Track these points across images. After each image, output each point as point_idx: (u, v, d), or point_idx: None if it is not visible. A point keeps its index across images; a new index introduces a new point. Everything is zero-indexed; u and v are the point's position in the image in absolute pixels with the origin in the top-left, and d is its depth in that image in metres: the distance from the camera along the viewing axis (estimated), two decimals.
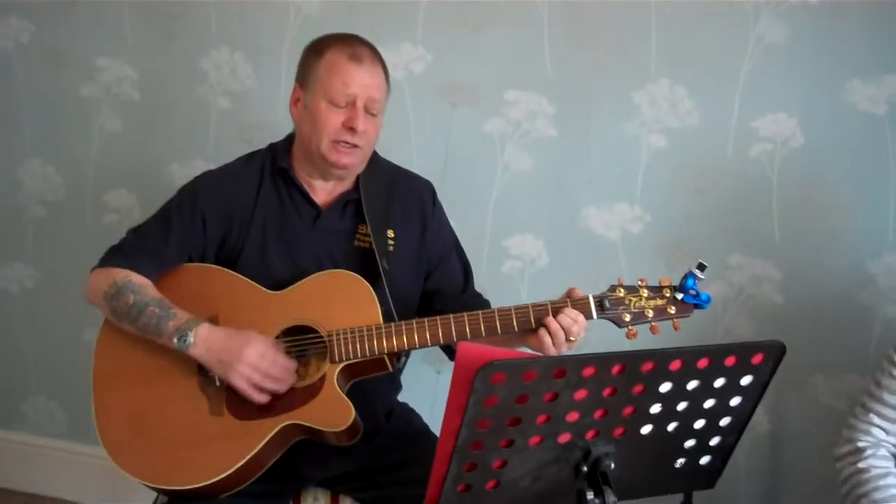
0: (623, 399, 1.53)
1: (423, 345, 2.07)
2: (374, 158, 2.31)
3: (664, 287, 2.05)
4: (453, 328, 2.05)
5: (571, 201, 2.76)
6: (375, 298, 2.10)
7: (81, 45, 3.08)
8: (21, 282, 3.30)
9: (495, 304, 2.15)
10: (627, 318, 2.02)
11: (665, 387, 1.54)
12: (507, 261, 2.83)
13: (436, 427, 1.92)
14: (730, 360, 1.55)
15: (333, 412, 2.02)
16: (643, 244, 2.72)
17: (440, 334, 2.06)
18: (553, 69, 2.72)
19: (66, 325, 3.21)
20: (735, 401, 1.61)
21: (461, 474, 1.51)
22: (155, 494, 2.20)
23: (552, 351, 2.00)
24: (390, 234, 2.25)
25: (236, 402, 2.07)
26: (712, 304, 2.07)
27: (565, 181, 2.75)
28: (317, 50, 2.20)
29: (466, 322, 2.05)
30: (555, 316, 2.01)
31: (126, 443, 2.07)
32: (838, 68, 2.52)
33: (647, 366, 1.50)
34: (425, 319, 2.07)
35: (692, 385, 1.56)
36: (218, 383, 2.08)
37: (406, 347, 2.07)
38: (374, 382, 2.16)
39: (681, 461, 1.69)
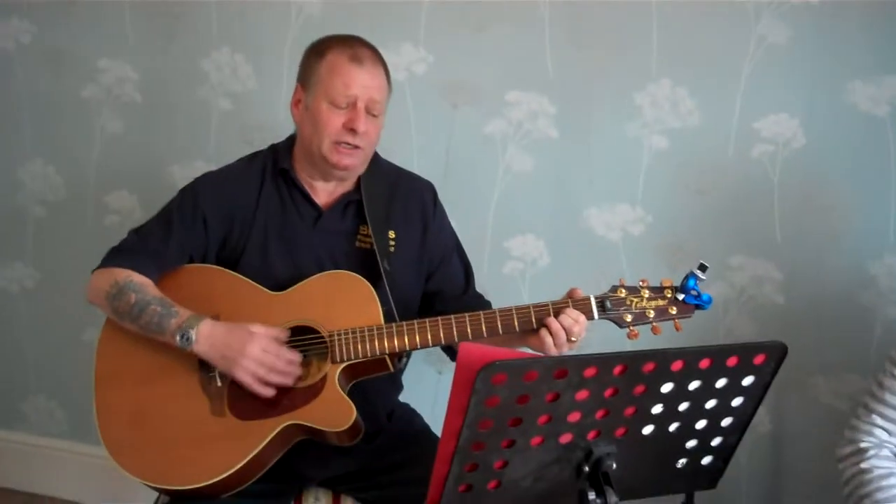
0: (624, 399, 1.53)
1: (425, 345, 2.07)
2: (376, 159, 2.31)
3: (665, 288, 2.04)
4: (454, 328, 2.05)
5: (573, 202, 2.76)
6: (377, 299, 2.10)
7: (82, 46, 3.09)
8: (21, 282, 3.30)
9: (496, 304, 2.15)
10: (629, 318, 2.02)
11: (667, 387, 1.54)
12: (508, 262, 2.83)
13: (437, 427, 1.91)
14: (731, 361, 1.55)
15: (335, 412, 2.02)
16: (644, 245, 2.72)
17: (441, 335, 2.06)
18: (554, 70, 2.72)
19: (67, 326, 3.22)
20: (737, 401, 1.61)
21: (462, 474, 1.51)
22: (156, 494, 2.20)
23: (553, 351, 2.00)
24: (391, 234, 2.25)
25: (238, 402, 2.07)
26: (713, 305, 2.07)
27: (566, 182, 2.75)
28: (318, 51, 2.20)
29: (468, 322, 2.05)
30: (556, 316, 2.01)
31: (127, 442, 2.07)
32: (840, 69, 2.52)
33: (649, 366, 1.50)
34: (426, 320, 2.07)
35: (694, 385, 1.55)
36: (219, 382, 2.08)
37: (407, 348, 2.07)
38: (375, 383, 2.16)
39: (682, 461, 1.69)
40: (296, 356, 2.07)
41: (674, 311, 2.02)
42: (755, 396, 1.62)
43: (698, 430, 1.63)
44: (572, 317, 2.00)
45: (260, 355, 2.02)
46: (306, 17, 2.87)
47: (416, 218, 2.30)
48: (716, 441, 1.67)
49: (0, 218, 3.27)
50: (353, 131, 2.12)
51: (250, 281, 2.16)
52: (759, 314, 2.67)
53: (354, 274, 2.13)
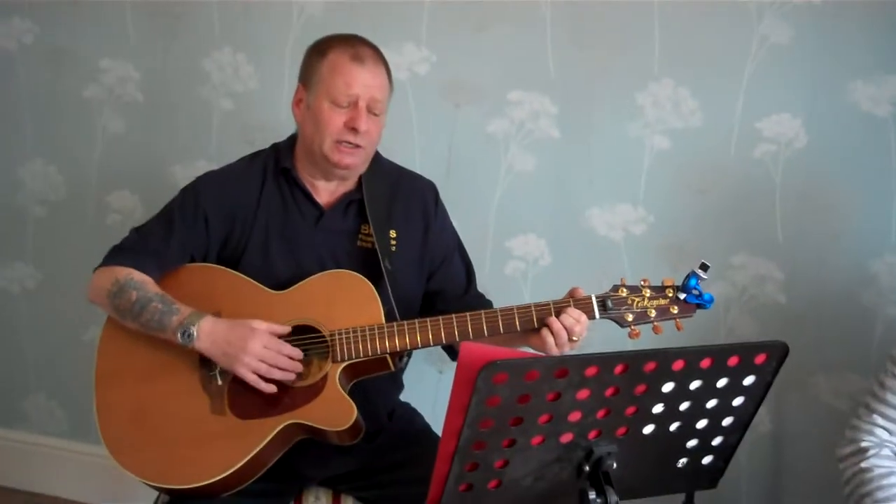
0: (625, 399, 1.53)
1: (426, 344, 2.07)
2: (377, 159, 2.31)
3: (667, 287, 2.04)
4: (456, 328, 2.05)
5: (574, 202, 2.76)
6: (378, 298, 2.10)
7: (84, 46, 3.09)
8: (22, 282, 3.30)
9: (498, 304, 2.15)
10: (630, 317, 2.02)
11: (668, 387, 1.54)
12: (509, 261, 2.83)
13: (437, 427, 1.91)
14: (733, 360, 1.55)
15: (335, 412, 2.02)
16: (646, 245, 2.72)
17: (442, 334, 2.06)
18: (556, 69, 2.72)
19: (67, 325, 3.22)
20: (738, 401, 1.61)
21: (463, 474, 1.51)
22: (156, 493, 2.20)
23: (555, 351, 2.00)
24: (393, 234, 2.25)
25: (238, 401, 2.07)
26: (715, 304, 2.07)
27: (568, 182, 2.75)
28: (319, 50, 2.20)
29: (469, 322, 2.05)
30: (557, 316, 2.01)
31: (127, 441, 2.07)
32: (842, 69, 2.52)
33: (650, 366, 1.50)
34: (427, 319, 2.07)
35: (695, 385, 1.56)
36: (220, 381, 2.08)
37: (408, 347, 2.07)
38: (376, 382, 2.16)
39: (683, 461, 1.69)
40: (297, 352, 2.07)
41: (675, 310, 2.02)
42: (756, 396, 1.62)
43: (699, 430, 1.63)
44: (574, 316, 2.00)
45: (261, 351, 2.02)
46: (308, 17, 2.87)
47: (417, 217, 2.30)
48: (716, 440, 1.67)
49: (1, 218, 3.27)
50: (354, 130, 2.12)
51: (251, 280, 2.16)
52: (760, 313, 2.67)
53: (356, 273, 2.13)
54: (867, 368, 2.54)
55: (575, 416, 1.52)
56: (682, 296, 2.01)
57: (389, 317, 2.11)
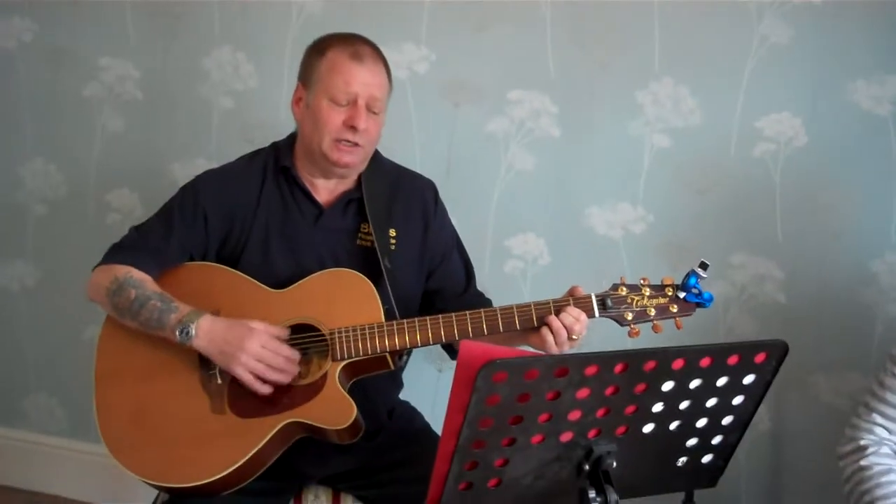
0: (625, 398, 1.53)
1: (425, 343, 2.06)
2: (377, 158, 2.31)
3: (666, 286, 2.04)
4: (455, 327, 2.05)
5: (574, 201, 2.76)
6: (377, 297, 2.10)
7: (84, 45, 3.09)
8: (22, 280, 3.30)
9: (497, 303, 2.15)
10: (629, 316, 2.02)
11: (667, 385, 1.54)
12: (509, 260, 2.83)
13: (437, 426, 1.92)
14: (732, 359, 1.55)
15: (335, 410, 2.02)
16: (646, 244, 2.72)
17: (442, 333, 2.06)
18: (556, 69, 2.72)
19: (67, 324, 3.22)
20: (737, 399, 1.61)
21: (463, 473, 1.51)
22: (156, 492, 2.20)
23: (554, 349, 2.00)
24: (392, 232, 2.25)
25: (238, 400, 2.07)
26: (714, 303, 2.07)
27: (568, 181, 2.75)
28: (319, 49, 2.20)
29: (468, 320, 2.05)
30: (557, 314, 2.01)
31: (127, 440, 2.07)
32: (842, 68, 2.52)
33: (650, 364, 1.50)
34: (427, 318, 2.07)
35: (695, 384, 1.55)
36: (220, 380, 2.08)
37: (408, 346, 2.07)
38: (375, 381, 2.16)
39: (683, 460, 1.69)
40: (295, 354, 2.06)
41: (675, 309, 2.02)
42: (756, 395, 1.62)
43: (699, 429, 1.63)
44: (573, 315, 2.00)
45: (259, 351, 2.02)
46: (307, 16, 2.87)
47: (417, 216, 2.30)
48: (716, 439, 1.67)
49: (1, 216, 3.27)
50: (353, 129, 2.12)
51: (251, 279, 2.16)
52: (760, 313, 2.67)
53: (355, 272, 2.13)
54: (867, 367, 2.54)
55: (575, 415, 1.52)
56: (682, 294, 2.01)
57: (389, 315, 2.11)
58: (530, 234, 2.80)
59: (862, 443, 2.08)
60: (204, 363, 2.10)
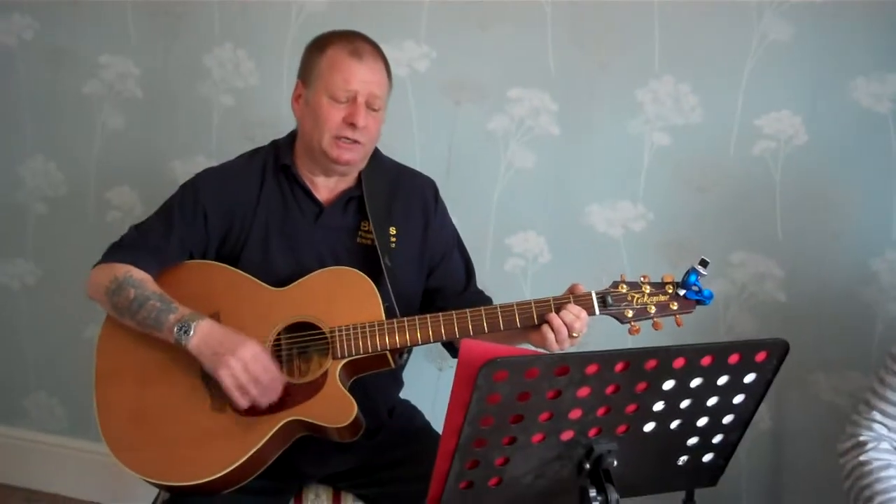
0: (626, 396, 1.53)
1: (426, 341, 2.06)
2: (377, 155, 2.31)
3: (667, 283, 2.04)
4: (455, 325, 2.05)
5: (574, 199, 2.76)
6: (378, 295, 2.10)
7: (84, 45, 3.08)
8: (22, 278, 3.30)
9: (498, 301, 2.15)
10: (630, 314, 2.02)
11: (668, 384, 1.54)
12: (509, 258, 2.83)
13: (437, 424, 1.92)
14: (733, 358, 1.55)
15: (336, 408, 2.02)
16: (646, 242, 2.72)
17: (442, 331, 2.06)
18: (556, 68, 2.72)
19: (67, 322, 3.22)
20: (738, 398, 1.61)
21: (463, 471, 1.51)
22: (156, 491, 2.20)
23: (555, 347, 2.00)
24: (392, 231, 2.25)
25: None
26: (715, 302, 2.07)
27: (568, 179, 2.75)
28: (318, 46, 2.20)
29: (469, 318, 2.05)
30: (557, 312, 2.01)
31: (128, 439, 2.07)
32: (842, 66, 2.51)
33: (651, 363, 1.50)
34: (427, 316, 2.07)
35: (695, 383, 1.56)
36: None
37: (408, 344, 2.07)
38: (376, 379, 2.16)
39: (683, 459, 1.69)
40: (282, 379, 2.05)
41: (675, 306, 2.02)
42: (757, 394, 1.62)
43: (699, 428, 1.63)
44: (574, 312, 2.00)
45: (249, 360, 2.00)
46: (308, 14, 2.87)
47: (417, 214, 2.30)
48: (717, 438, 1.67)
49: (1, 214, 3.27)
50: (352, 126, 2.12)
51: (251, 277, 2.16)
52: (760, 311, 2.67)
53: (355, 270, 2.13)
54: (867, 366, 2.54)
55: (575, 414, 1.52)
56: (682, 292, 2.01)
57: (389, 313, 2.11)
58: (531, 232, 2.80)
59: (861, 439, 2.08)
60: None
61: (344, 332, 2.06)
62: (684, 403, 1.58)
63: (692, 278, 1.99)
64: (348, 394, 2.04)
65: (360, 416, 2.02)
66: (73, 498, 3.32)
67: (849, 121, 2.52)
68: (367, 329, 2.06)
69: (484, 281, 2.44)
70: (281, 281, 2.16)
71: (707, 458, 1.70)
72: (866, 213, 2.55)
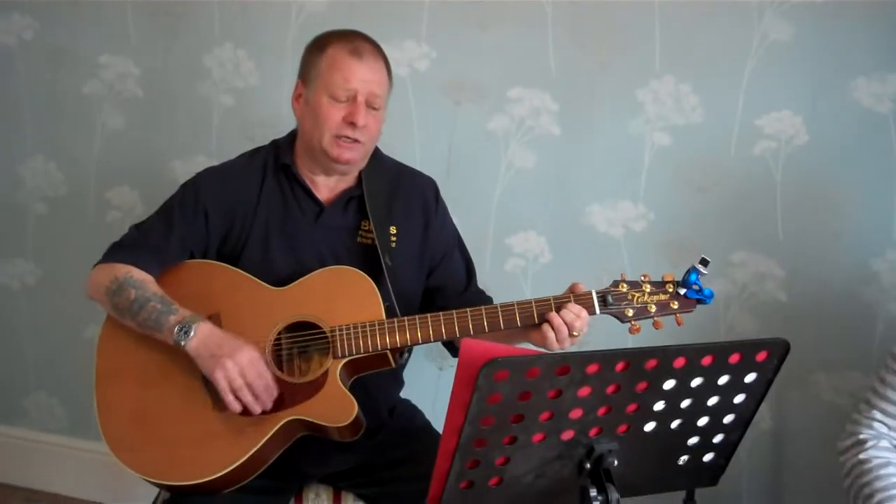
0: (627, 396, 1.53)
1: (426, 340, 2.06)
2: (377, 155, 2.31)
3: (667, 282, 2.04)
4: (456, 324, 2.05)
5: (575, 199, 2.76)
6: (378, 294, 2.10)
7: (84, 45, 3.08)
8: (22, 278, 3.30)
9: (498, 301, 2.15)
10: (630, 313, 2.02)
11: (669, 384, 1.54)
12: (510, 258, 2.83)
13: (438, 424, 1.91)
14: (734, 358, 1.55)
15: (336, 407, 2.02)
16: (646, 242, 2.71)
17: (443, 330, 2.05)
18: (557, 68, 2.72)
19: (67, 322, 3.22)
20: (739, 398, 1.61)
21: (464, 471, 1.51)
22: (156, 491, 2.20)
23: (555, 346, 2.00)
24: (393, 230, 2.25)
25: None
26: (715, 302, 2.07)
27: (568, 179, 2.75)
28: (318, 46, 2.20)
29: (469, 318, 2.05)
30: (558, 311, 2.01)
31: (128, 439, 2.07)
32: (843, 66, 2.51)
33: (651, 363, 1.50)
34: (428, 315, 2.07)
35: (696, 382, 1.56)
36: None
37: (409, 343, 2.07)
38: (376, 378, 2.16)
39: (684, 458, 1.69)
40: (275, 387, 2.05)
41: (675, 305, 2.02)
42: (757, 393, 1.62)
43: (700, 427, 1.63)
44: (574, 311, 2.00)
45: (246, 365, 2.00)
46: (308, 14, 2.87)
47: (417, 214, 2.30)
48: (717, 438, 1.67)
49: (1, 214, 3.27)
50: (352, 125, 2.12)
51: (252, 276, 2.16)
52: (760, 311, 2.67)
53: (356, 269, 2.13)
54: (868, 366, 2.54)
55: (576, 414, 1.52)
56: (683, 291, 2.01)
57: (390, 313, 2.11)
58: (531, 232, 2.80)
59: (861, 437, 2.09)
60: None
61: (344, 332, 2.06)
62: (685, 403, 1.58)
63: (692, 277, 1.99)
64: (349, 393, 2.04)
65: (360, 415, 2.02)
66: (74, 498, 3.32)
67: (849, 121, 2.52)
68: (368, 328, 2.06)
69: (484, 281, 2.44)
70: (281, 280, 2.16)
71: (708, 457, 1.70)
72: (867, 213, 2.55)
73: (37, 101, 3.17)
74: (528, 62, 2.73)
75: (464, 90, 2.78)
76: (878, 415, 2.08)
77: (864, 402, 2.12)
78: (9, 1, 3.12)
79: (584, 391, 1.49)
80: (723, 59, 2.60)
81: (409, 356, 2.29)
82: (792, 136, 2.57)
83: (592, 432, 1.56)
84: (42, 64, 3.14)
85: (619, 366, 1.48)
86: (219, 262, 2.21)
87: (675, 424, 1.61)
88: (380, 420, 2.29)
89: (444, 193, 2.37)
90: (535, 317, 2.03)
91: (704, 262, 1.98)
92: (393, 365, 2.12)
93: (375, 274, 2.14)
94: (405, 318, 2.08)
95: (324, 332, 2.08)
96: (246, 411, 2.02)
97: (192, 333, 2.02)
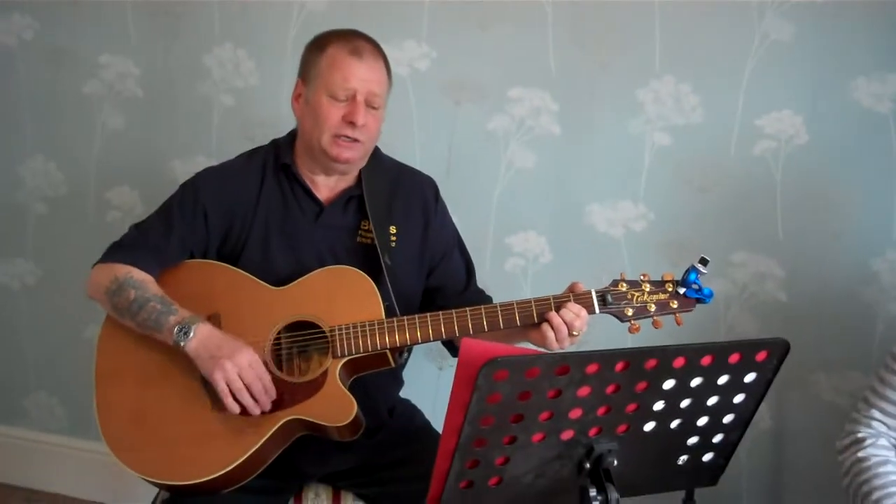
0: (626, 396, 1.53)
1: (426, 340, 2.06)
2: (377, 155, 2.31)
3: (666, 282, 2.04)
4: (455, 323, 2.05)
5: (575, 199, 2.75)
6: (378, 294, 2.10)
7: (84, 45, 3.08)
8: (22, 278, 3.30)
9: (498, 300, 2.15)
10: (630, 312, 2.02)
11: (669, 384, 1.54)
12: (510, 258, 2.83)
13: (438, 424, 1.91)
14: (734, 358, 1.55)
15: (336, 407, 2.02)
16: (646, 242, 2.71)
17: (442, 329, 2.05)
18: (557, 68, 2.71)
19: (67, 322, 3.21)
20: (738, 398, 1.61)
21: (464, 471, 1.51)
22: (155, 490, 2.20)
23: (555, 346, 2.00)
24: (393, 230, 2.25)
25: None
26: (715, 302, 2.07)
27: (568, 178, 2.75)
28: (318, 45, 2.20)
29: (469, 317, 2.05)
30: (557, 310, 2.01)
31: (128, 439, 2.07)
32: (843, 66, 2.51)
33: (651, 363, 1.50)
34: (427, 315, 2.07)
35: (696, 382, 1.55)
36: None
37: (408, 342, 2.07)
38: (376, 378, 2.16)
39: (683, 458, 1.69)
40: (273, 390, 2.04)
41: (675, 304, 2.02)
42: (757, 393, 1.62)
43: (700, 427, 1.63)
44: (573, 311, 2.00)
45: (245, 367, 2.00)
46: (308, 13, 2.87)
47: (417, 213, 2.30)
48: (717, 438, 1.67)
49: (1, 214, 3.27)
50: (352, 124, 2.12)
51: (251, 276, 2.16)
52: (760, 311, 2.67)
53: (355, 269, 2.13)
54: (868, 366, 2.54)
55: (576, 414, 1.52)
56: (682, 290, 2.01)
57: (389, 312, 2.11)
58: (531, 231, 2.80)
59: (860, 435, 2.09)
60: None
61: (344, 331, 2.06)
62: (684, 403, 1.58)
63: (692, 276, 1.99)
64: (348, 393, 2.04)
65: (360, 414, 2.02)
66: (74, 497, 3.32)
67: (849, 121, 2.52)
68: (367, 328, 2.06)
69: (484, 281, 2.44)
70: (281, 280, 2.16)
71: (707, 457, 1.70)
72: (867, 213, 2.55)
73: (37, 101, 3.17)
74: (528, 62, 2.73)
75: (464, 90, 2.78)
76: (876, 414, 2.08)
77: (863, 401, 2.12)
78: (9, 1, 3.12)
79: (584, 391, 1.49)
80: (723, 59, 2.60)
81: (408, 356, 2.29)
82: (792, 135, 2.57)
83: (592, 432, 1.56)
84: (42, 64, 3.14)
85: (619, 366, 1.48)
86: (219, 262, 2.21)
87: (674, 424, 1.61)
88: (379, 420, 2.29)
89: (444, 193, 2.37)
90: (534, 316, 2.03)
91: (704, 262, 1.98)
92: (392, 364, 2.12)
93: (375, 274, 2.14)
94: (405, 317, 2.08)
95: (323, 332, 2.08)
96: (245, 411, 2.02)
97: (191, 334, 2.02)
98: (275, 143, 2.30)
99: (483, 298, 2.33)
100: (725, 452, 1.70)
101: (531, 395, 1.46)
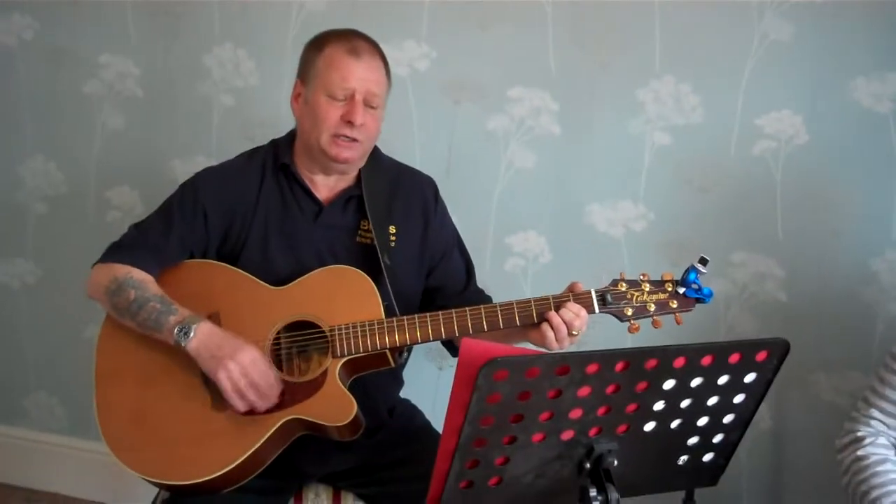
0: (626, 396, 1.53)
1: (426, 340, 2.06)
2: (377, 155, 2.31)
3: (666, 281, 2.04)
4: (455, 323, 2.05)
5: (575, 199, 2.75)
6: (377, 293, 2.10)
7: (84, 44, 3.08)
8: (22, 278, 3.29)
9: (498, 300, 2.15)
10: (629, 312, 2.02)
11: (669, 384, 1.54)
12: (510, 258, 2.83)
13: (438, 424, 1.91)
14: (734, 358, 1.55)
15: (336, 407, 2.02)
16: (646, 241, 2.71)
17: (442, 329, 2.05)
18: (557, 68, 2.71)
19: (67, 322, 3.21)
20: (738, 398, 1.61)
21: (464, 471, 1.51)
22: (155, 490, 2.20)
23: (554, 345, 2.00)
24: (392, 230, 2.25)
25: None
26: (715, 302, 2.07)
27: (568, 178, 2.75)
28: (317, 45, 2.20)
29: (468, 317, 2.05)
30: (557, 310, 2.01)
31: (128, 439, 2.07)
32: (842, 66, 2.51)
33: (651, 363, 1.50)
34: (427, 315, 2.07)
35: (696, 382, 1.55)
36: None
37: (408, 342, 2.07)
38: (376, 378, 2.16)
39: (684, 458, 1.69)
40: (279, 385, 2.05)
41: (675, 304, 2.02)
42: (757, 393, 1.62)
43: (700, 427, 1.63)
44: (573, 311, 2.00)
45: (248, 365, 2.00)
46: (308, 13, 2.87)
47: (417, 213, 2.30)
48: (717, 438, 1.67)
49: (1, 214, 3.27)
50: (350, 124, 2.12)
51: (251, 276, 2.16)
52: (760, 311, 2.67)
53: (355, 269, 2.13)
54: (868, 366, 2.54)
55: (576, 414, 1.52)
56: (682, 290, 2.01)
57: (389, 312, 2.11)
58: (531, 231, 2.80)
59: (859, 434, 2.09)
60: None
61: (344, 331, 2.06)
62: (685, 403, 1.58)
63: (692, 276, 1.99)
64: (348, 392, 2.04)
65: (359, 414, 2.02)
66: (74, 497, 3.32)
67: (849, 120, 2.52)
68: (367, 328, 2.06)
69: (484, 281, 2.44)
70: (281, 280, 2.16)
71: (707, 457, 1.70)
72: (867, 213, 2.55)
73: (37, 101, 3.17)
74: (528, 62, 2.73)
75: (464, 90, 2.78)
76: (876, 413, 2.08)
77: (863, 400, 2.12)
78: (9, 1, 3.12)
79: (584, 391, 1.49)
80: (723, 59, 2.60)
81: (408, 356, 2.29)
82: (792, 135, 2.57)
83: (592, 432, 1.56)
84: (42, 64, 3.14)
85: (619, 366, 1.48)
86: (218, 262, 2.21)
87: (674, 424, 1.61)
88: (379, 420, 2.29)
89: (444, 193, 2.37)
90: (534, 316, 2.03)
91: (703, 262, 1.98)
92: (392, 364, 2.12)
93: (374, 273, 2.14)
94: (404, 317, 2.08)
95: (323, 332, 2.08)
96: (250, 409, 2.02)
97: (192, 334, 2.02)
98: (274, 143, 2.30)
99: (483, 298, 2.33)
100: (725, 452, 1.70)
101: (531, 395, 1.46)
